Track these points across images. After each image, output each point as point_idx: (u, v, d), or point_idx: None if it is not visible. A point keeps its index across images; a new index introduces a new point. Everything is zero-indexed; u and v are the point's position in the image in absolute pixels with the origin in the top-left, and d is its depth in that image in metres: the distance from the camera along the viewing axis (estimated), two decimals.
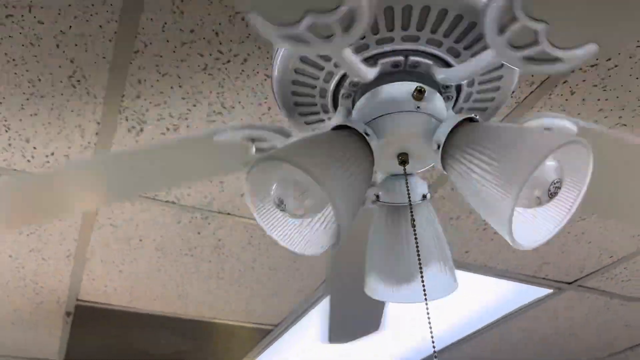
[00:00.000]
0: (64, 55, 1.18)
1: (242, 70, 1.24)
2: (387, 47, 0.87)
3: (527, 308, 2.43)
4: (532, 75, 1.27)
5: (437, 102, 0.90)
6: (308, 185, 0.75)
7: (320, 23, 0.71)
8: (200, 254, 1.97)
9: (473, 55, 0.86)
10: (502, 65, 0.90)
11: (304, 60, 0.90)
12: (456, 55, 0.89)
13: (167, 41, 1.16)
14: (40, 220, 0.96)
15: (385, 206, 0.97)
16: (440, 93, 0.92)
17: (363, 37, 0.83)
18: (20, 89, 1.26)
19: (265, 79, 1.26)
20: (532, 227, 0.76)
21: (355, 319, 1.48)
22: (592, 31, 0.72)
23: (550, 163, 0.73)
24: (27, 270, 2.04)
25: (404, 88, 0.88)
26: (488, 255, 2.01)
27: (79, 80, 1.25)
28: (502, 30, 0.73)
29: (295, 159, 0.72)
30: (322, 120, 1.03)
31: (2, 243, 1.85)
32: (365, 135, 0.84)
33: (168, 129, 1.40)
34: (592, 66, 1.25)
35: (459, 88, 0.96)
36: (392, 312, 2.43)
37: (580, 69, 1.26)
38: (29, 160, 1.48)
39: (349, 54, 0.80)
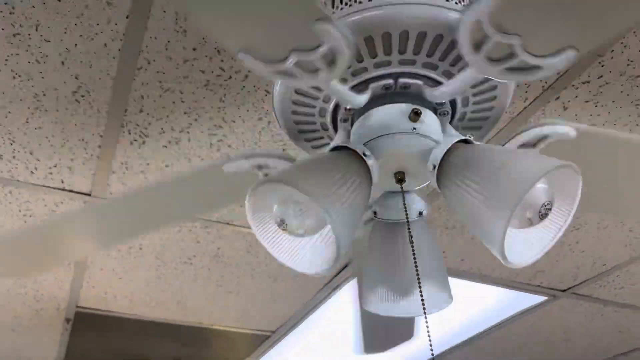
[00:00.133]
0: (68, 71, 1.21)
1: (243, 86, 1.27)
2: (376, 73, 0.90)
3: (522, 315, 2.47)
4: (526, 91, 1.31)
5: (432, 123, 0.93)
6: (308, 206, 0.78)
7: (305, 60, 0.76)
8: (199, 262, 1.99)
9: (459, 71, 0.89)
10: (496, 86, 0.93)
11: (296, 102, 0.94)
12: (446, 74, 0.92)
13: (170, 58, 1.19)
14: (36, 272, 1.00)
15: (383, 222, 1.00)
16: (435, 112, 0.96)
17: (349, 67, 0.87)
18: (25, 103, 1.29)
19: (266, 95, 1.29)
20: (523, 246, 0.79)
21: (389, 328, 1.49)
22: (567, 37, 0.73)
23: (541, 186, 0.76)
24: (28, 278, 2.06)
25: (400, 109, 0.91)
26: (483, 264, 2.05)
27: (83, 96, 1.27)
28: (477, 47, 0.75)
29: (295, 181, 0.75)
30: (322, 138, 1.06)
31: None
32: (363, 156, 0.87)
33: (170, 142, 1.42)
34: (584, 83, 1.28)
35: (453, 107, 0.99)
36: None
37: (573, 85, 1.29)
38: (32, 172, 1.51)
39: (337, 85, 0.85)
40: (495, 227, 0.75)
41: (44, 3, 1.07)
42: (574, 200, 0.77)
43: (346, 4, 0.86)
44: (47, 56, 1.17)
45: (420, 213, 0.98)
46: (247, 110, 1.33)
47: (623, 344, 2.83)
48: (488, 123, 1.03)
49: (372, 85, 0.91)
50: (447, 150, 0.86)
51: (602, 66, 1.24)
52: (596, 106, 1.35)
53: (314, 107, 0.97)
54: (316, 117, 1.01)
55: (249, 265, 2.01)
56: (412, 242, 0.90)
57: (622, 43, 1.19)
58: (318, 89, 0.92)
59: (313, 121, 1.01)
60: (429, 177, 0.88)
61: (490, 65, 0.77)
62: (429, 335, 0.86)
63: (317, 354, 2.85)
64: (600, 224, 1.79)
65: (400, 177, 0.93)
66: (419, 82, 0.91)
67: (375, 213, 1.00)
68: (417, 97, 0.94)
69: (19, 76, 1.22)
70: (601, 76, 1.27)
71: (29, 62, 1.19)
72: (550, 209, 0.77)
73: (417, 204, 0.99)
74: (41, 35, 1.13)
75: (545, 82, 1.28)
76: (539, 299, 2.32)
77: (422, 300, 0.83)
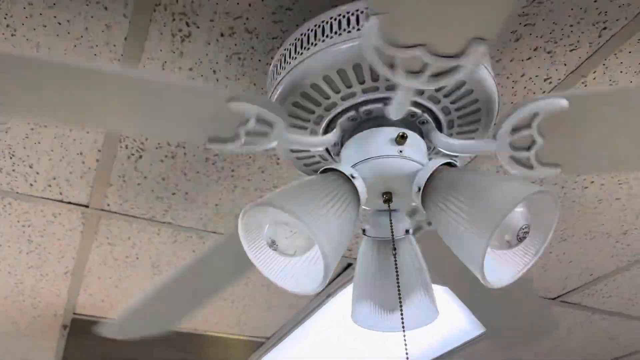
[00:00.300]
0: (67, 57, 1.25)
1: None
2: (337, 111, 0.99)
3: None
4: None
5: (418, 146, 0.97)
6: (297, 227, 0.82)
7: (251, 131, 0.89)
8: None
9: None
10: (464, 82, 0.96)
11: (295, 105, 0.98)
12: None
13: None
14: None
15: (372, 239, 1.04)
16: (416, 126, 1.00)
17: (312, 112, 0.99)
18: (25, 119, 1.32)
19: None
20: (502, 267, 0.83)
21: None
22: (468, 30, 0.74)
23: (519, 210, 0.80)
24: (26, 285, 2.09)
25: (387, 133, 0.95)
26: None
27: None
28: (392, 67, 0.78)
29: (284, 203, 0.79)
30: (319, 162, 1.11)
31: (2, 260, 1.91)
32: (351, 178, 0.91)
33: (166, 156, 1.46)
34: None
35: (435, 117, 1.03)
36: None
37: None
38: (31, 185, 1.54)
39: (296, 138, 0.96)
40: (475, 248, 0.79)
41: (45, 26, 1.10)
42: (552, 224, 0.81)
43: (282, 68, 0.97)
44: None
45: (407, 231, 1.03)
46: None
47: (613, 351, 2.88)
48: (483, 114, 1.04)
49: (339, 122, 0.97)
50: (432, 173, 0.90)
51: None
52: None
53: (308, 120, 1.02)
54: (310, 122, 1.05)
55: None
56: (395, 259, 0.94)
57: None
58: (310, 110, 0.97)
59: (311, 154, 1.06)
60: (415, 198, 0.92)
61: (412, 78, 0.79)
62: (406, 353, 0.90)
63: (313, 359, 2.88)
64: (587, 235, 1.83)
65: (387, 198, 0.97)
66: (379, 105, 0.96)
67: (364, 231, 1.04)
68: (402, 121, 0.98)
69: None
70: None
71: None
72: (528, 232, 0.81)
73: (404, 222, 1.03)
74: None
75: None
76: None
77: (402, 316, 0.87)
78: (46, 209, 1.65)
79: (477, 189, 0.82)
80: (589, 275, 2.10)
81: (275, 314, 2.40)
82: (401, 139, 0.93)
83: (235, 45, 1.15)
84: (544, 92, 1.29)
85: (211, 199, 1.63)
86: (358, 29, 0.88)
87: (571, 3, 1.08)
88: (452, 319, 2.55)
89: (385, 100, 0.96)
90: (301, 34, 0.96)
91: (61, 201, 1.62)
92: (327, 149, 1.07)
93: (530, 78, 1.25)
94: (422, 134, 1.00)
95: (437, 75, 0.77)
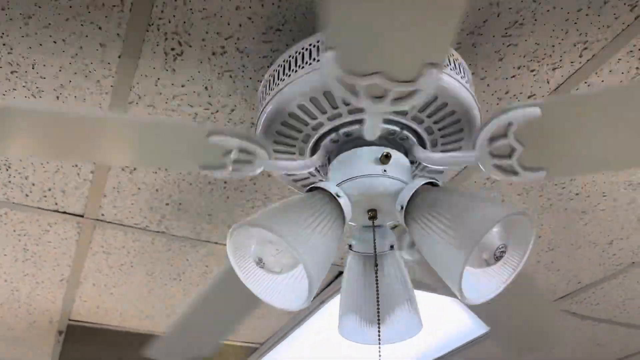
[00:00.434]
0: (63, 104, 1.27)
1: (230, 119, 1.33)
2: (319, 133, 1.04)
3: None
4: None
5: (402, 165, 1.00)
6: (282, 246, 0.85)
7: (237, 159, 0.97)
8: (188, 278, 2.05)
9: None
10: (436, 97, 0.99)
11: (281, 129, 1.01)
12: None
13: (160, 94, 1.26)
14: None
15: (358, 254, 1.07)
16: (398, 144, 1.04)
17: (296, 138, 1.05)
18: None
19: (251, 126, 1.36)
20: (481, 284, 0.86)
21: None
22: (421, 55, 0.77)
23: (496, 231, 0.83)
24: (22, 293, 2.11)
25: (372, 152, 0.98)
26: None
27: None
28: (355, 94, 0.82)
29: (269, 223, 0.82)
30: (294, 145, 1.14)
31: None
32: (336, 197, 0.94)
33: (159, 168, 1.49)
34: None
35: (417, 135, 1.06)
36: None
37: None
38: (27, 195, 1.57)
39: (278, 163, 1.02)
40: (453, 267, 0.82)
41: (41, 45, 1.13)
42: (528, 244, 0.85)
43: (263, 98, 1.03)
44: (42, 91, 1.24)
45: (392, 246, 1.06)
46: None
47: (602, 357, 2.91)
48: (465, 128, 1.05)
49: (322, 144, 1.01)
50: (414, 193, 0.93)
51: None
52: None
53: (295, 140, 1.05)
54: (296, 155, 1.08)
55: None
56: (376, 274, 0.97)
57: None
58: (304, 122, 1.01)
59: (292, 151, 1.09)
60: (398, 216, 0.96)
61: (377, 102, 0.82)
62: None
63: None
64: (573, 245, 1.87)
65: (372, 215, 1.01)
66: (357, 126, 1.00)
67: (350, 246, 1.07)
68: (384, 138, 1.02)
69: None
70: None
71: (25, 96, 1.25)
72: (504, 252, 0.84)
73: (389, 238, 1.06)
74: (37, 73, 1.19)
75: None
76: None
77: (379, 330, 0.90)
78: (42, 219, 1.67)
79: (456, 210, 0.85)
80: (577, 283, 2.14)
81: (269, 320, 2.43)
82: (385, 159, 0.97)
83: (227, 63, 1.18)
84: None
85: (204, 210, 1.66)
86: (317, 60, 0.93)
87: (553, 25, 1.12)
88: (455, 319, 2.57)
89: (361, 122, 0.99)
90: (280, 64, 1.01)
91: (56, 211, 1.64)
92: (316, 142, 1.09)
93: (515, 95, 1.29)
94: (405, 150, 1.03)
95: (399, 98, 0.81)
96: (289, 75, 0.95)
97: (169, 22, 1.09)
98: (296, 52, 0.98)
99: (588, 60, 1.20)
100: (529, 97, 1.29)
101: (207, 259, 1.93)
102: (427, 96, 0.80)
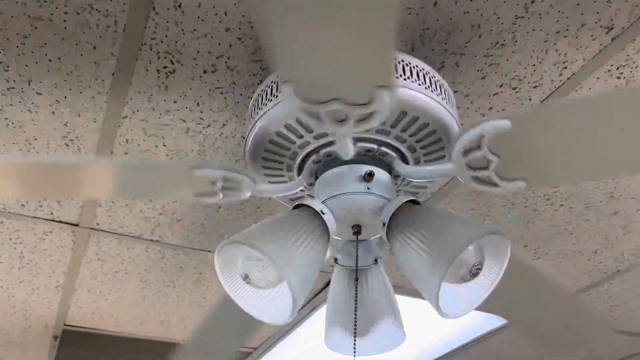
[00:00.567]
0: (58, 119, 1.31)
1: (221, 133, 1.37)
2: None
3: (494, 333, 2.58)
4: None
5: (385, 182, 1.04)
6: (268, 262, 0.89)
7: (225, 187, 1.03)
8: (182, 285, 2.09)
9: None
10: (417, 117, 1.03)
11: (272, 142, 1.05)
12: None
13: (153, 109, 1.29)
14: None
15: (343, 268, 1.10)
16: (382, 161, 1.07)
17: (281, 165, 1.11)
18: (17, 146, 1.38)
19: (242, 140, 1.40)
20: (458, 299, 0.90)
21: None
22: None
23: (472, 249, 0.87)
24: (17, 299, 2.15)
25: (356, 171, 1.02)
26: None
27: (72, 140, 1.37)
28: (318, 117, 0.85)
29: (254, 241, 0.85)
30: (286, 182, 1.18)
31: None
32: (321, 214, 0.97)
33: None
34: None
35: (401, 154, 1.10)
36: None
37: None
38: (23, 205, 1.60)
39: (264, 186, 1.08)
40: (431, 283, 0.86)
41: (37, 62, 1.16)
42: (503, 260, 0.88)
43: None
44: (38, 107, 1.27)
45: (376, 260, 1.09)
46: (225, 153, 1.43)
47: None
48: (445, 140, 1.08)
49: (306, 165, 1.07)
50: (395, 210, 0.97)
51: None
52: None
53: (283, 158, 1.09)
54: (284, 171, 1.12)
55: None
56: (356, 288, 1.01)
57: None
58: (285, 147, 1.04)
59: (283, 159, 1.13)
60: (381, 231, 0.99)
61: (341, 126, 0.85)
62: None
63: None
64: (560, 254, 1.91)
65: (356, 230, 1.04)
66: (392, 152, 1.06)
67: (336, 259, 1.11)
68: (369, 157, 1.05)
69: (12, 123, 1.31)
70: None
71: (21, 111, 1.28)
72: (480, 269, 0.87)
73: (373, 251, 1.10)
74: (33, 89, 1.23)
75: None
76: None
77: (354, 343, 0.94)
78: (37, 228, 1.71)
79: (434, 229, 0.89)
80: None
81: (262, 326, 2.46)
82: (369, 177, 1.00)
83: (218, 80, 1.22)
84: None
85: (197, 219, 1.69)
86: (277, 95, 0.99)
87: (533, 45, 1.16)
88: (454, 320, 2.60)
89: (394, 148, 1.05)
90: (263, 88, 1.05)
91: (52, 220, 1.68)
92: (301, 162, 1.12)
93: (498, 111, 1.33)
94: (388, 166, 1.06)
95: (361, 120, 0.84)
96: (271, 100, 0.99)
97: (161, 42, 1.13)
98: (271, 82, 1.02)
99: (568, 79, 1.24)
100: None
101: (200, 266, 1.96)
102: (385, 116, 0.83)
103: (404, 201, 0.97)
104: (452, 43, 1.14)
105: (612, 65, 1.20)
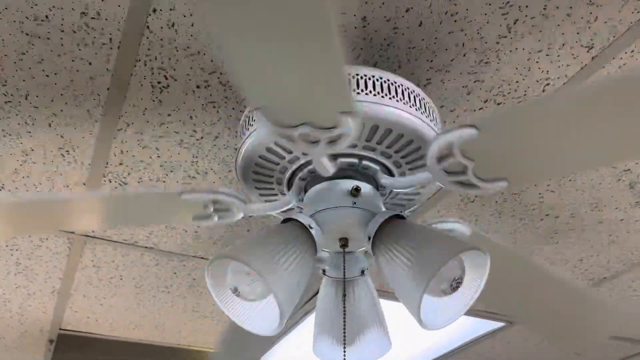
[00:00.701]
0: (55, 131, 1.34)
1: (214, 145, 1.40)
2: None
3: (483, 338, 2.62)
4: None
5: (372, 197, 1.07)
6: (256, 276, 0.92)
7: (217, 208, 1.09)
8: (176, 290, 2.12)
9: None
10: (402, 134, 1.06)
11: (261, 157, 1.08)
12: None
13: (147, 122, 1.33)
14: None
15: (330, 279, 1.14)
16: (371, 178, 1.11)
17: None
18: (14, 156, 1.41)
19: (235, 151, 1.43)
20: (439, 312, 0.93)
21: None
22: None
23: (452, 263, 0.91)
24: (13, 303, 2.17)
25: (343, 186, 1.05)
26: None
27: (67, 151, 1.40)
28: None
29: (243, 255, 0.89)
30: (272, 189, 1.21)
31: None
32: (309, 228, 1.01)
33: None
34: None
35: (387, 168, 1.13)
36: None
37: None
38: None
39: (253, 207, 1.12)
40: (413, 297, 0.89)
41: (33, 77, 1.19)
42: (483, 274, 0.92)
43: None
44: (35, 119, 1.30)
45: (363, 271, 1.13)
46: (218, 164, 1.47)
47: None
48: (424, 150, 1.10)
49: (294, 181, 1.11)
50: (380, 224, 1.00)
51: None
52: None
53: (273, 173, 1.12)
54: (275, 186, 1.15)
55: None
56: (344, 299, 1.05)
57: None
58: (275, 161, 1.08)
59: (271, 177, 1.16)
60: (366, 245, 1.03)
61: (314, 147, 0.91)
62: None
63: None
64: (547, 260, 1.94)
65: (343, 243, 1.08)
66: (376, 166, 1.09)
67: (324, 271, 1.14)
68: (359, 173, 1.09)
69: (9, 135, 1.35)
70: None
71: (18, 124, 1.31)
72: (461, 283, 0.91)
73: (360, 263, 1.13)
74: (30, 103, 1.26)
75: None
76: (498, 324, 2.47)
77: (344, 353, 0.97)
78: (33, 235, 1.74)
79: (417, 244, 0.93)
80: None
81: None
82: (355, 192, 1.04)
83: (210, 95, 1.25)
84: None
85: (191, 227, 1.73)
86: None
87: (516, 63, 1.19)
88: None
89: (379, 163, 1.08)
90: (246, 114, 1.10)
91: None
92: (289, 179, 1.16)
93: None
94: (373, 179, 1.09)
95: (332, 141, 0.90)
96: (254, 121, 1.02)
97: (155, 58, 1.16)
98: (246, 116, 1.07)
99: None
100: None
101: (194, 272, 1.99)
102: (354, 137, 0.89)
103: (388, 216, 1.00)
104: (438, 61, 1.18)
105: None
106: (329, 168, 1.00)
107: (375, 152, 1.05)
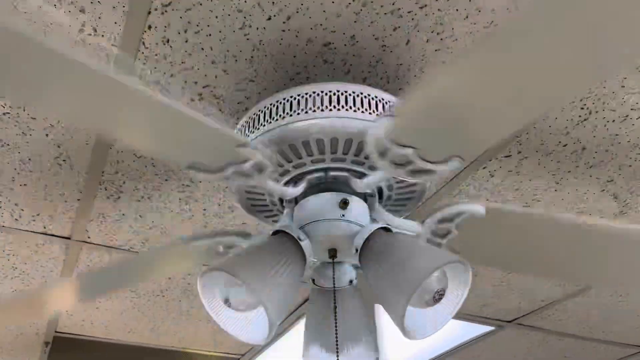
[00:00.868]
0: (52, 141, 1.37)
1: None
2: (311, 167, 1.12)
3: (473, 342, 2.66)
4: None
5: (360, 209, 1.11)
6: (245, 288, 0.95)
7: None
8: (171, 294, 2.15)
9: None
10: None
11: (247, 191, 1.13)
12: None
13: None
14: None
15: (320, 289, 1.17)
16: (364, 197, 1.14)
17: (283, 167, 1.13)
18: (11, 165, 1.44)
19: None
20: (423, 322, 0.97)
21: None
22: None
23: (436, 275, 0.94)
24: None
25: (331, 198, 1.09)
26: None
27: (64, 160, 1.43)
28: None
29: (232, 268, 0.92)
30: (272, 211, 1.24)
31: None
32: (298, 239, 1.04)
33: (143, 197, 1.59)
34: (506, 157, 1.48)
35: (380, 191, 1.17)
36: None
37: (497, 158, 1.48)
38: (16, 219, 1.66)
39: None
40: (397, 308, 0.92)
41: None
42: (465, 287, 0.95)
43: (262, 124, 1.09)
44: (33, 130, 1.33)
45: (351, 281, 1.16)
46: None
47: None
48: (415, 199, 1.22)
49: (308, 177, 1.10)
50: (368, 237, 1.03)
51: (520, 144, 1.44)
52: (518, 174, 1.54)
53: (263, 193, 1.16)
54: (266, 196, 1.18)
55: None
56: (335, 308, 1.08)
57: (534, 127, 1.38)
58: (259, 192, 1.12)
59: (265, 201, 1.19)
60: (353, 257, 1.06)
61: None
62: None
63: None
64: None
65: (332, 254, 1.11)
66: (346, 174, 1.10)
67: (313, 280, 1.17)
68: (348, 185, 1.12)
69: (7, 145, 1.37)
70: (520, 152, 1.46)
71: (16, 134, 1.34)
72: (443, 294, 0.95)
73: (348, 273, 1.16)
74: (28, 114, 1.29)
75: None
76: (487, 328, 2.51)
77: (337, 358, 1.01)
78: (30, 240, 1.76)
79: (401, 256, 0.96)
80: (541, 301, 2.26)
81: None
82: (344, 204, 1.07)
83: (204, 108, 1.29)
84: None
85: (185, 233, 1.76)
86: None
87: None
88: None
89: (351, 172, 1.11)
90: (242, 124, 1.13)
91: (45, 234, 1.73)
92: (281, 201, 1.19)
93: None
94: (365, 201, 1.13)
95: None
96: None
97: (150, 72, 1.19)
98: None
99: None
100: None
101: (188, 277, 2.02)
102: (268, 163, 0.99)
103: (375, 228, 1.04)
104: (425, 77, 1.21)
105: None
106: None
107: (346, 161, 1.08)
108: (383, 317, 1.22)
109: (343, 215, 1.07)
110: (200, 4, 1.05)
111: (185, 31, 1.10)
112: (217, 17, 1.07)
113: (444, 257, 0.93)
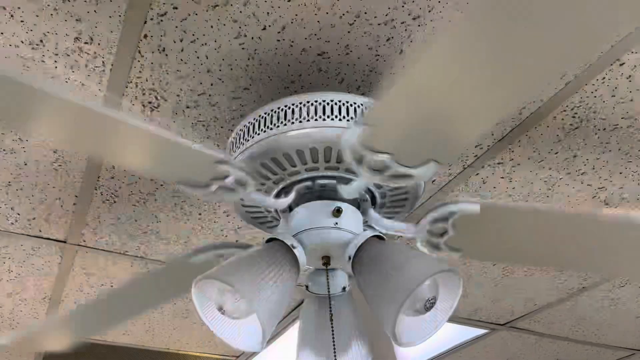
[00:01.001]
0: (48, 146, 1.38)
1: None
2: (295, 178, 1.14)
3: (466, 345, 2.68)
4: (449, 167, 1.51)
5: (353, 217, 1.12)
6: (239, 296, 0.96)
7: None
8: None
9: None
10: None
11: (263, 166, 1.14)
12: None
13: None
14: None
15: (313, 295, 1.18)
16: (357, 203, 1.15)
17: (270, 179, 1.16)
18: (8, 170, 1.45)
19: None
20: (413, 330, 0.98)
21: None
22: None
23: (427, 284, 0.95)
24: (5, 309, 2.20)
25: (325, 206, 1.10)
26: None
27: (60, 165, 1.44)
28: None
29: (226, 276, 0.93)
30: (271, 221, 1.26)
31: None
32: (292, 247, 1.05)
33: (138, 202, 1.59)
34: (499, 163, 1.49)
35: (372, 197, 1.18)
36: None
37: (489, 165, 1.50)
38: (12, 223, 1.66)
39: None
40: (388, 316, 0.94)
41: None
42: (457, 294, 0.97)
43: (241, 143, 1.12)
44: (30, 135, 1.34)
45: (344, 288, 1.17)
46: None
47: None
48: (408, 203, 1.23)
49: (297, 187, 1.12)
50: (361, 245, 1.05)
51: (512, 152, 1.45)
52: (510, 181, 1.56)
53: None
54: (261, 206, 1.20)
55: None
56: (331, 314, 1.09)
57: (527, 135, 1.40)
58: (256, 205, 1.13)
59: (262, 211, 1.21)
60: (347, 265, 1.07)
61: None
62: None
63: None
64: (527, 272, 2.00)
65: (325, 261, 1.12)
66: (334, 181, 1.12)
67: (307, 287, 1.19)
68: (336, 192, 1.14)
69: (3, 150, 1.38)
70: (512, 159, 1.48)
71: (13, 140, 1.35)
72: (434, 302, 0.96)
73: (342, 280, 1.18)
74: None
75: (465, 162, 1.49)
76: (480, 331, 2.53)
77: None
78: (26, 244, 1.77)
79: (393, 265, 0.97)
80: (533, 305, 2.28)
81: None
82: (337, 213, 1.08)
83: (200, 115, 1.30)
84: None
85: (181, 237, 1.77)
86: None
87: None
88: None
89: (338, 179, 1.11)
90: (237, 131, 1.13)
91: (40, 237, 1.74)
92: (276, 210, 1.21)
93: None
94: (359, 207, 1.14)
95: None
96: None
97: (146, 80, 1.20)
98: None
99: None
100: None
101: None
102: (247, 178, 1.03)
103: (368, 236, 1.05)
104: (394, 78, 1.23)
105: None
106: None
107: (340, 170, 1.10)
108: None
109: (336, 224, 1.09)
110: (196, 14, 1.06)
111: (181, 40, 1.11)
112: (212, 26, 1.08)
113: (435, 266, 0.95)
